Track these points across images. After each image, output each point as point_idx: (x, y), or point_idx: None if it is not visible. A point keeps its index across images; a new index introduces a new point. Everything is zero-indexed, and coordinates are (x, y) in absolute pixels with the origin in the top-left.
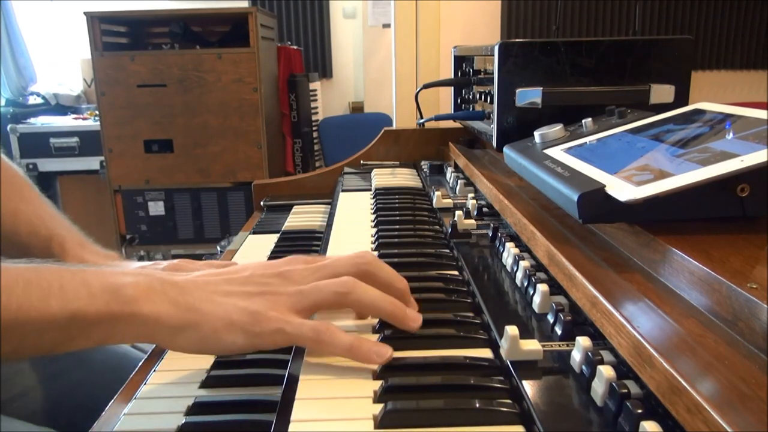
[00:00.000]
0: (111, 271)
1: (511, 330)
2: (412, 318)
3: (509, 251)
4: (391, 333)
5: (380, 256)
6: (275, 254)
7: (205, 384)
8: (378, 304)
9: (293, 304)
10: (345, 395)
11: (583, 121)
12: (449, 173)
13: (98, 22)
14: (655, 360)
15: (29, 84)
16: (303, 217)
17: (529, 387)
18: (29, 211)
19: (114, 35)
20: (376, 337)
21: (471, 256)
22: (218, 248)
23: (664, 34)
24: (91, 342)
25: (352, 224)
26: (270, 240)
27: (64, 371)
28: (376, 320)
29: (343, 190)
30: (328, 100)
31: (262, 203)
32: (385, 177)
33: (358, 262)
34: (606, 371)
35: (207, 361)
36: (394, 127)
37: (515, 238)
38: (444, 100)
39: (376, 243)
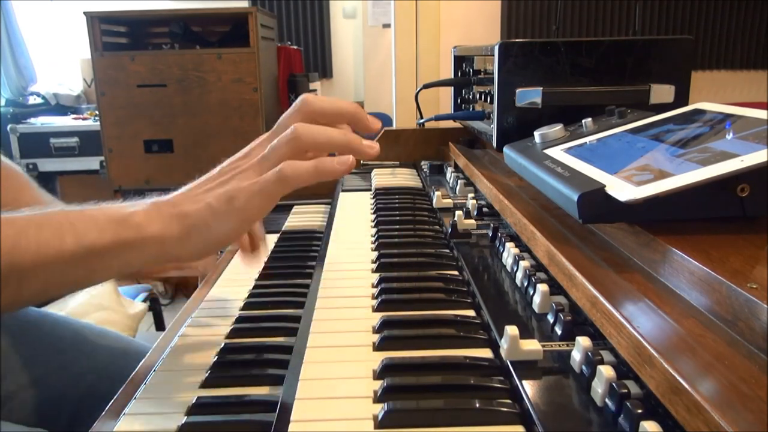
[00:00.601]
0: (110, 205)
1: (511, 330)
2: (368, 145)
3: (509, 251)
4: (391, 333)
5: (380, 256)
6: (275, 254)
7: (205, 384)
8: (332, 137)
9: (260, 170)
10: (345, 395)
11: (583, 121)
12: (449, 173)
13: (98, 22)
14: (655, 360)
15: (29, 84)
16: (303, 217)
17: (529, 387)
18: (33, 201)
19: (114, 35)
20: (376, 337)
21: (471, 256)
22: None
23: (664, 34)
24: (113, 272)
25: (352, 224)
26: (270, 240)
27: (64, 366)
28: (376, 321)
29: (343, 190)
30: None
31: None
32: (385, 177)
33: (299, 107)
34: (606, 371)
35: (207, 361)
36: (394, 127)
37: (515, 238)
38: (444, 100)
39: (376, 243)
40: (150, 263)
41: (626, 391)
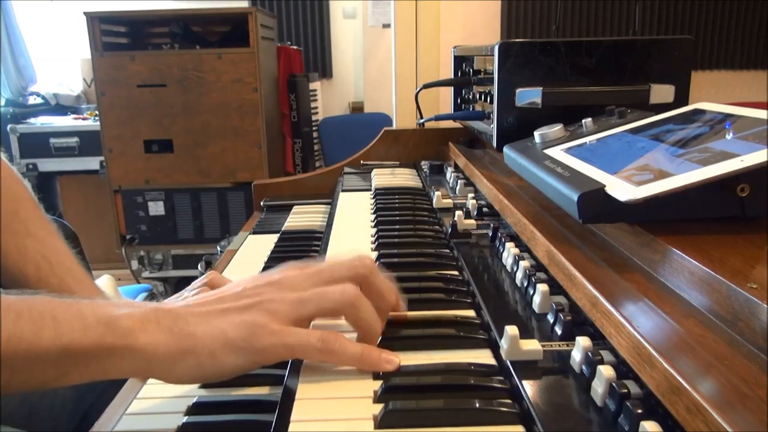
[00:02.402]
0: (105, 302)
1: (511, 330)
2: (386, 359)
3: (509, 251)
4: (391, 335)
5: (380, 256)
6: (275, 254)
7: (205, 384)
8: (369, 328)
9: (292, 312)
10: (345, 395)
11: (583, 121)
12: (449, 173)
13: (98, 22)
14: (655, 360)
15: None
16: (303, 217)
17: (529, 387)
18: (37, 251)
19: (114, 35)
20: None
21: (471, 256)
22: (218, 248)
23: (664, 34)
24: (85, 377)
25: (352, 224)
26: (270, 240)
27: None
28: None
29: (343, 190)
30: (328, 100)
31: (262, 203)
32: (385, 177)
33: (357, 266)
34: (606, 371)
35: None
36: (394, 127)
37: (515, 238)
38: (444, 100)
39: (376, 243)
40: (128, 376)
41: (626, 391)
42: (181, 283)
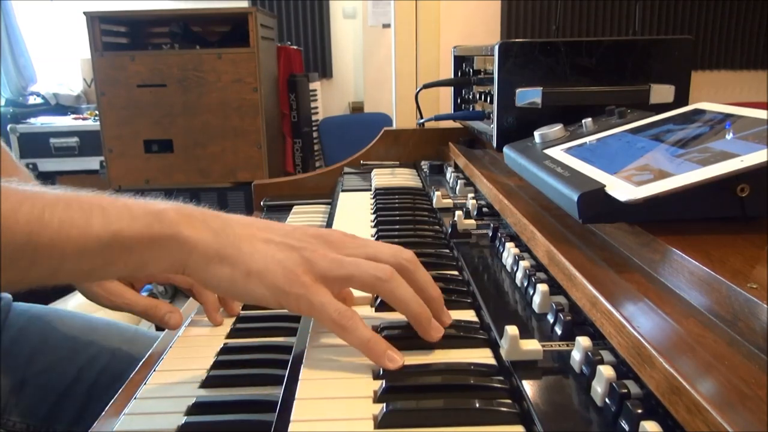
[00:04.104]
0: (150, 200)
1: (511, 330)
2: (435, 328)
3: (509, 251)
4: (391, 334)
5: None
6: None
7: (205, 384)
8: (409, 304)
9: (328, 270)
10: (345, 395)
11: (583, 121)
12: (449, 173)
13: (98, 22)
14: (655, 360)
15: (29, 84)
16: (303, 217)
17: (529, 387)
18: None
19: (114, 35)
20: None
21: (471, 256)
22: None
23: (664, 34)
24: (128, 268)
25: (352, 224)
26: None
27: (76, 350)
28: (377, 321)
29: (343, 190)
30: (328, 100)
31: (262, 203)
32: (385, 177)
33: (400, 256)
34: (606, 371)
35: (207, 361)
36: (394, 127)
37: (515, 238)
38: (444, 100)
39: None
40: (167, 269)
41: (626, 391)
42: None
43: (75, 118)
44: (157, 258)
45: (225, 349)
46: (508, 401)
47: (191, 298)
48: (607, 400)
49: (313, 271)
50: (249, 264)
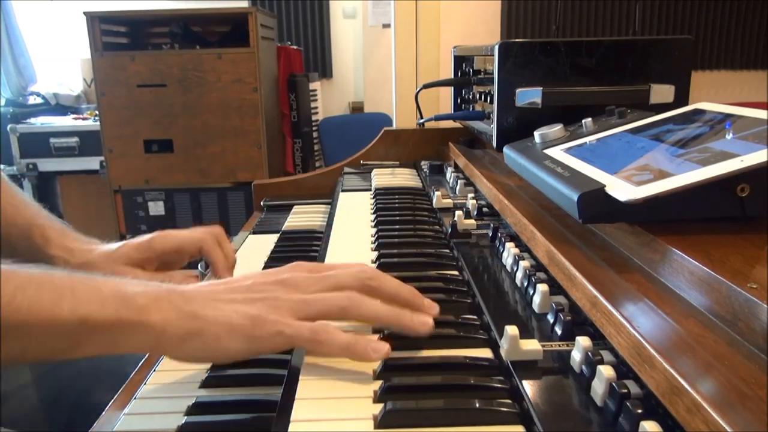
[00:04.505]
0: (121, 280)
1: (511, 330)
2: (419, 321)
3: (509, 251)
4: (391, 333)
5: (380, 256)
6: (275, 254)
7: (205, 384)
8: (380, 316)
9: (295, 312)
10: (345, 395)
11: (583, 121)
12: (449, 173)
13: (98, 22)
14: (655, 360)
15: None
16: (303, 217)
17: (529, 387)
18: (2, 201)
19: (114, 35)
20: (376, 336)
21: (471, 256)
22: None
23: (664, 34)
24: (97, 350)
25: (352, 224)
26: (270, 240)
27: (55, 367)
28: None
29: (343, 190)
30: (328, 100)
31: (262, 203)
32: (385, 177)
33: (361, 278)
34: (606, 371)
35: None
36: (394, 127)
37: (515, 238)
38: (444, 100)
39: (376, 243)
40: (137, 351)
41: (626, 391)
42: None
43: (75, 118)
44: (126, 341)
45: None
46: (508, 401)
47: None
48: (607, 400)
49: (279, 313)
50: (215, 328)
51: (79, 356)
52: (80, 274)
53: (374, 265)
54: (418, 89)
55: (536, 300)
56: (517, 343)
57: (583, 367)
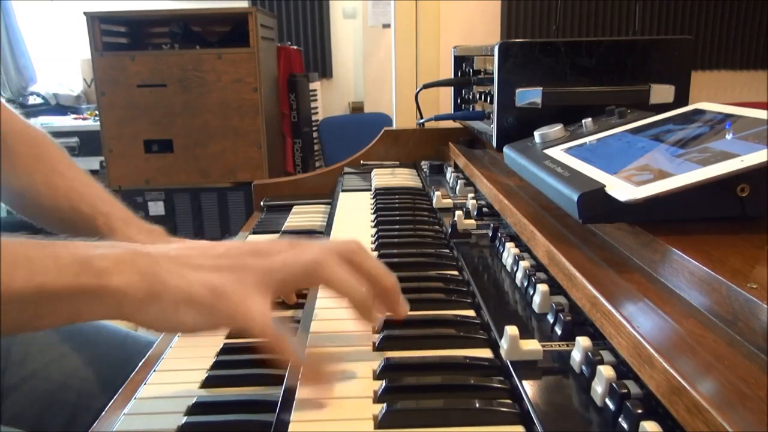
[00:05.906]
0: (83, 243)
1: (511, 330)
2: (376, 318)
3: (509, 251)
4: (391, 333)
5: (380, 257)
6: None
7: (205, 384)
8: (347, 288)
9: (259, 281)
10: (345, 395)
11: (583, 121)
12: (449, 173)
13: (98, 22)
14: (655, 360)
15: (29, 84)
16: (303, 217)
17: (529, 387)
18: (65, 185)
19: (114, 35)
20: (377, 337)
21: (471, 256)
22: None
23: (664, 34)
24: (60, 320)
25: (352, 224)
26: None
27: (64, 356)
28: (378, 321)
29: (343, 190)
30: (328, 100)
31: (262, 203)
32: (385, 177)
33: (342, 250)
34: (606, 371)
35: (207, 361)
36: (394, 127)
37: (515, 238)
38: (444, 100)
39: (376, 243)
40: (103, 319)
41: (626, 391)
42: None
43: (75, 118)
44: (89, 308)
45: (225, 349)
46: (508, 401)
47: None
48: (607, 400)
49: (245, 286)
50: (174, 295)
51: (44, 327)
52: (40, 239)
53: None
54: (418, 89)
55: (536, 300)
56: (517, 343)
57: (583, 367)
